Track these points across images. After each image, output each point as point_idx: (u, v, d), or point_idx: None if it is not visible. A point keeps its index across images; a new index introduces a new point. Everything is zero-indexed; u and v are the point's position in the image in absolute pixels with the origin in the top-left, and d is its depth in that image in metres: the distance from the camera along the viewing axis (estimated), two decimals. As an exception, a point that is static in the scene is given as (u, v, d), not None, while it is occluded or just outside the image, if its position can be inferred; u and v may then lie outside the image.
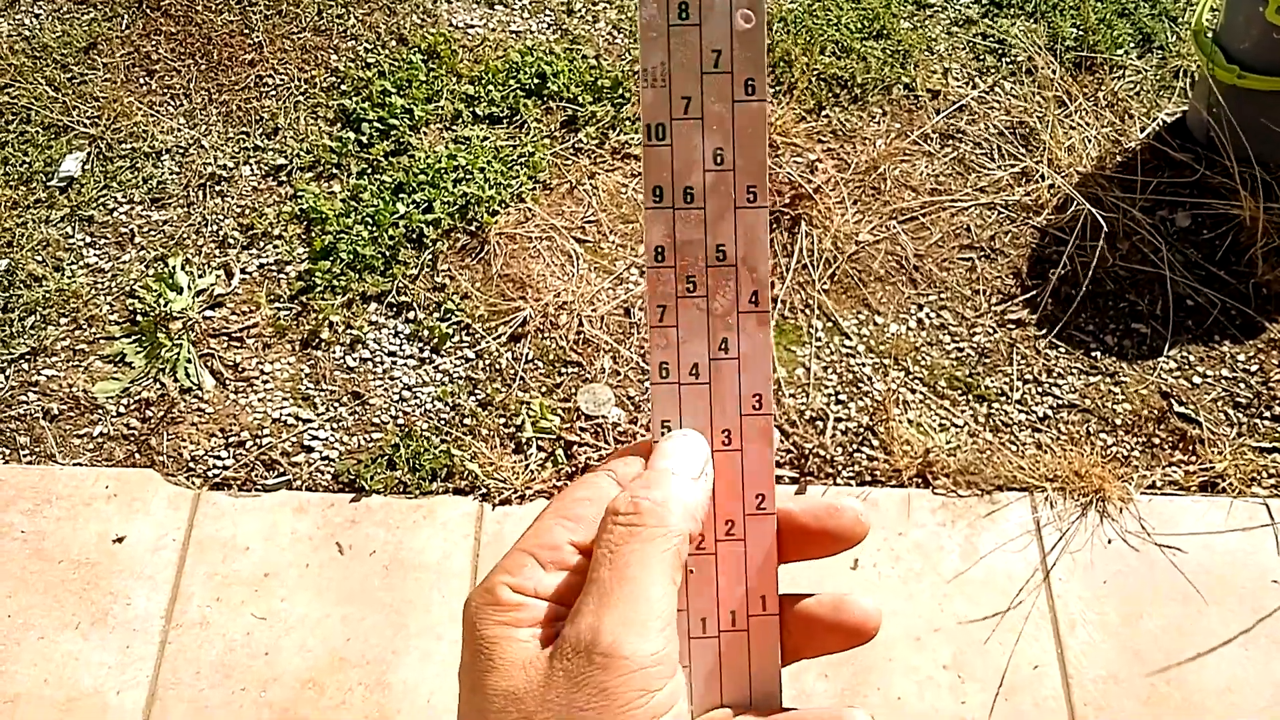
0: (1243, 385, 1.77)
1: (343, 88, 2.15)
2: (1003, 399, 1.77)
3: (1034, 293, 1.88)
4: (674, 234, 0.37)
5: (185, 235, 1.96)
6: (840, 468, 1.68)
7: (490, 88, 2.13)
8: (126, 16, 2.29)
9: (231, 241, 1.95)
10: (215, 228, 1.97)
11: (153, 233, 1.98)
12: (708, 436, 0.38)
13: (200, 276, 1.90)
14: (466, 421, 1.74)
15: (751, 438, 0.38)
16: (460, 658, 0.35)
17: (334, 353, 1.82)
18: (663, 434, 0.38)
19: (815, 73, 2.15)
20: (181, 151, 2.08)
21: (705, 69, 0.37)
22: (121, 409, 1.77)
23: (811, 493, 1.65)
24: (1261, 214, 1.86)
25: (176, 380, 1.78)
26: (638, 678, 0.32)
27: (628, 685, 0.31)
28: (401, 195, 1.97)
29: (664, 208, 0.37)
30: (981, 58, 2.19)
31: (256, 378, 1.80)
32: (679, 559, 0.34)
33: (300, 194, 1.99)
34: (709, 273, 0.37)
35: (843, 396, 1.76)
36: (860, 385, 1.78)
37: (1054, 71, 2.15)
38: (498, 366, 1.79)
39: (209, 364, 1.81)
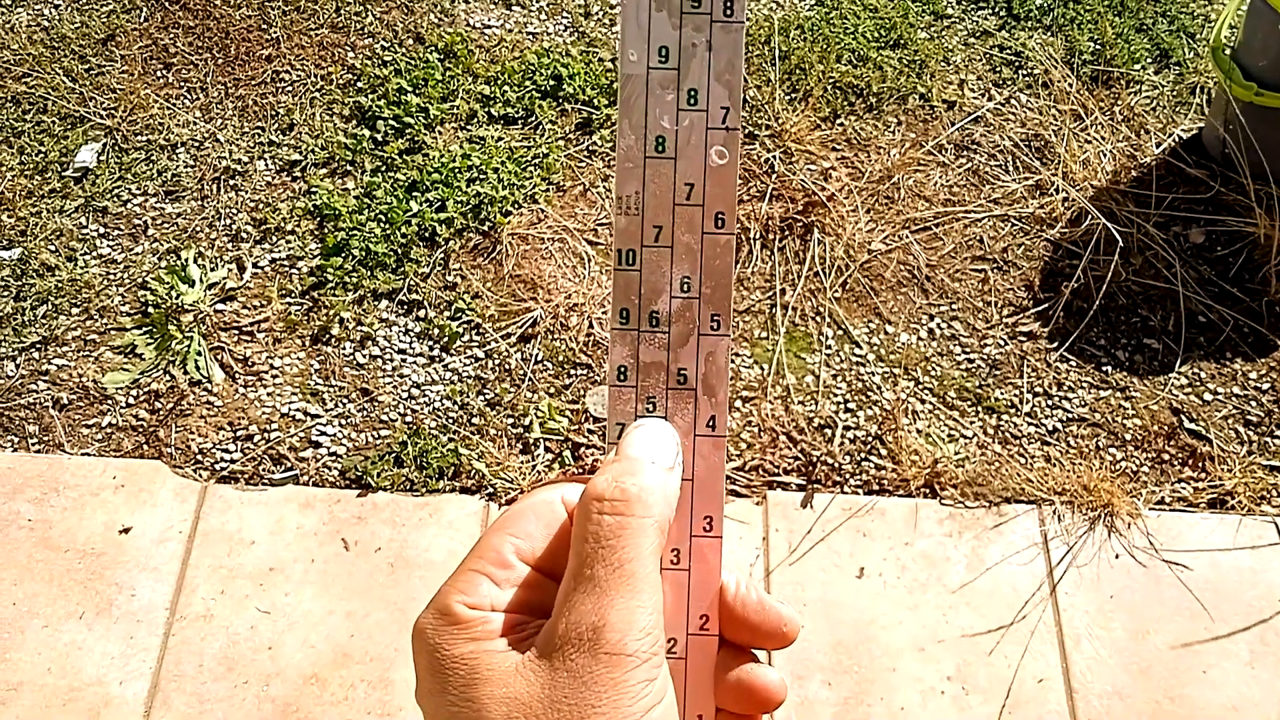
0: (1254, 403, 1.77)
1: (359, 85, 2.16)
2: (1012, 411, 1.76)
3: (1046, 306, 1.87)
4: (637, 356, 0.38)
5: (198, 228, 1.97)
6: (848, 476, 1.68)
7: (506, 88, 2.13)
8: (145, 9, 2.30)
9: (244, 236, 1.96)
10: (228, 221, 1.98)
11: (166, 225, 1.98)
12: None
13: (212, 270, 1.91)
14: (475, 421, 1.74)
15: (700, 559, 0.38)
16: (419, 684, 0.34)
17: (344, 349, 1.82)
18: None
19: (831, 80, 2.14)
20: (197, 145, 2.09)
21: (678, 200, 0.38)
22: (131, 400, 1.77)
23: (819, 501, 1.65)
24: (1276, 232, 1.85)
25: (186, 373, 1.79)
26: (643, 670, 0.32)
27: (635, 678, 0.32)
28: (415, 194, 1.97)
29: (629, 329, 0.38)
30: (998, 70, 2.19)
31: (266, 372, 1.80)
32: (662, 548, 0.35)
33: (314, 190, 2.00)
34: (669, 395, 0.38)
35: (852, 405, 1.76)
36: (869, 394, 1.77)
37: (1070, 85, 2.15)
38: (507, 366, 1.79)
39: (219, 357, 1.81)
